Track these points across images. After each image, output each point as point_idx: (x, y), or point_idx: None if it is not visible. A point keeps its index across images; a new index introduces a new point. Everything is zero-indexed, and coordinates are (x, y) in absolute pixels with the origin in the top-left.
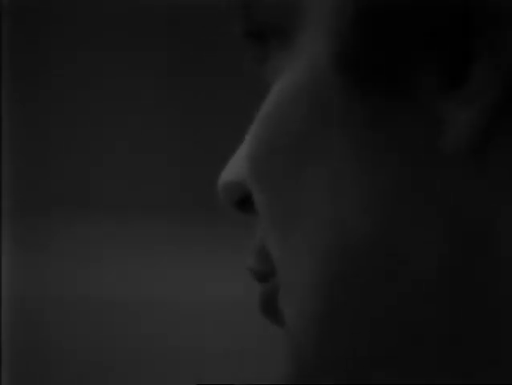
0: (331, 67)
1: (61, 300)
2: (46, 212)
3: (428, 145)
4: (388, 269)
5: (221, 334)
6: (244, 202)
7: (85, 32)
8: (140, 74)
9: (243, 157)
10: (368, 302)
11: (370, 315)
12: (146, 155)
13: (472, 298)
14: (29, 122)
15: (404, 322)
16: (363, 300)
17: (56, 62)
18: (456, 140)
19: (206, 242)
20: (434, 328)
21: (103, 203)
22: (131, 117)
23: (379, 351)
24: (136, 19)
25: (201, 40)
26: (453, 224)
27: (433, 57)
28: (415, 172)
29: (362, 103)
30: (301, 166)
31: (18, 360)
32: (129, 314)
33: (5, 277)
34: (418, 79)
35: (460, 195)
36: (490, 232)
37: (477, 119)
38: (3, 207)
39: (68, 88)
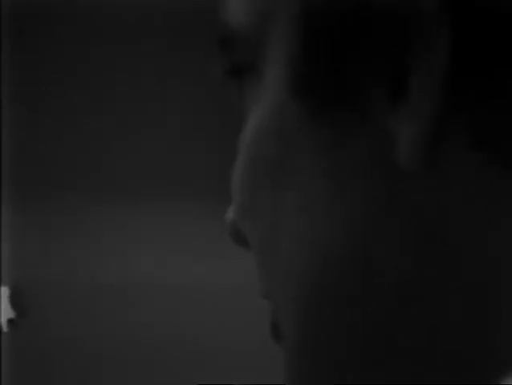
0: (289, 96)
1: (64, 286)
2: (49, 196)
3: (384, 161)
4: (359, 280)
5: (233, 320)
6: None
7: (87, 30)
8: (147, 69)
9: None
10: (344, 316)
11: (349, 330)
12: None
13: (439, 303)
14: (36, 101)
15: (379, 328)
16: (339, 316)
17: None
18: (404, 154)
19: (217, 228)
20: (406, 334)
21: (107, 188)
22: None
23: (362, 359)
24: (137, 17)
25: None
26: (412, 236)
27: (379, 74)
28: (376, 187)
29: (322, 126)
30: (276, 192)
31: (18, 350)
32: (137, 300)
33: (5, 265)
34: (369, 98)
35: (417, 207)
36: (448, 240)
37: (417, 133)
38: (3, 191)
39: (83, 73)
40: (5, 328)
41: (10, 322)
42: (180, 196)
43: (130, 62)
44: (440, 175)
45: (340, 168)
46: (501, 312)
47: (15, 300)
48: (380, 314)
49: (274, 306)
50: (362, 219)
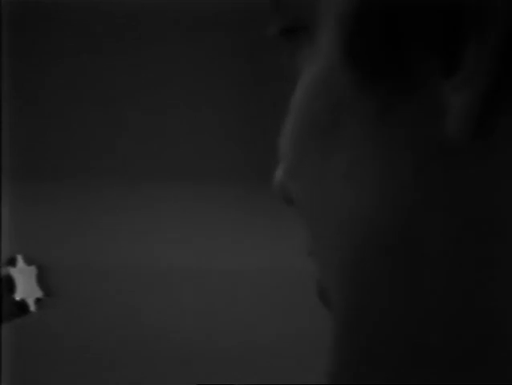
0: (341, 64)
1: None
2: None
3: (434, 132)
4: (403, 254)
5: (255, 303)
6: None
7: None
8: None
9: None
10: (388, 286)
11: (392, 302)
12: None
13: (479, 286)
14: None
15: (419, 304)
16: (383, 283)
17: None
18: (455, 126)
19: (240, 209)
20: (446, 317)
21: (114, 169)
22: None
23: (404, 342)
24: (136, 18)
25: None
26: (459, 210)
27: (433, 45)
28: (425, 158)
29: (372, 95)
30: (323, 156)
31: (19, 334)
32: (151, 284)
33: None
34: (421, 69)
35: (465, 179)
36: (493, 218)
37: (470, 104)
38: (3, 174)
39: (82, 73)
40: (33, 308)
41: (38, 301)
42: (193, 179)
43: (130, 62)
44: (490, 149)
45: (388, 139)
46: None
47: (42, 279)
48: (417, 291)
49: (320, 270)
50: (408, 190)
